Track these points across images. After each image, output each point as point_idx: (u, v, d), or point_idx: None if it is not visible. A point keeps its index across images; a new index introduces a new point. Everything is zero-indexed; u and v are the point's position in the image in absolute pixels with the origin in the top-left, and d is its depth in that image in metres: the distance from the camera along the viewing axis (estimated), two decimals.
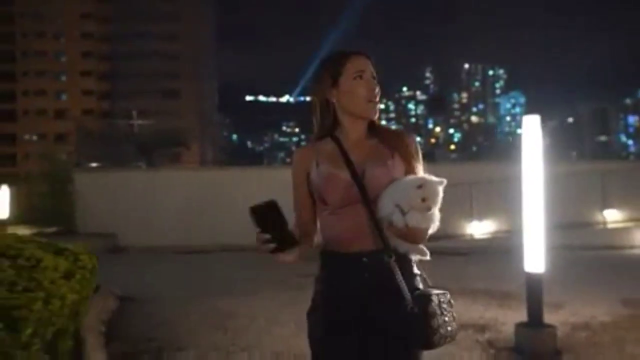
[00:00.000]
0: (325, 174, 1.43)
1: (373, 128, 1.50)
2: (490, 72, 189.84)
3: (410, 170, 1.45)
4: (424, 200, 1.32)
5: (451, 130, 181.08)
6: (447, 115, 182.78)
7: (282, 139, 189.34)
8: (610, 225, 9.62)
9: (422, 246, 1.43)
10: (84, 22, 67.44)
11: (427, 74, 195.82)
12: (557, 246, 6.21)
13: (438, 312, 1.33)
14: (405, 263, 1.40)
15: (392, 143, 1.47)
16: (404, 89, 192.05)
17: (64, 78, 68.78)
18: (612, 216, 9.73)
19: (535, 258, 3.29)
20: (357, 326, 1.39)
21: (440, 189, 1.35)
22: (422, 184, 1.33)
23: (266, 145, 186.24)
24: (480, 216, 9.61)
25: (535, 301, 3.27)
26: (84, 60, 68.16)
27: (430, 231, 1.40)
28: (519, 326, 3.35)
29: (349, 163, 1.43)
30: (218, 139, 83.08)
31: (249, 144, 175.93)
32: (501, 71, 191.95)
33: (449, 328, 1.34)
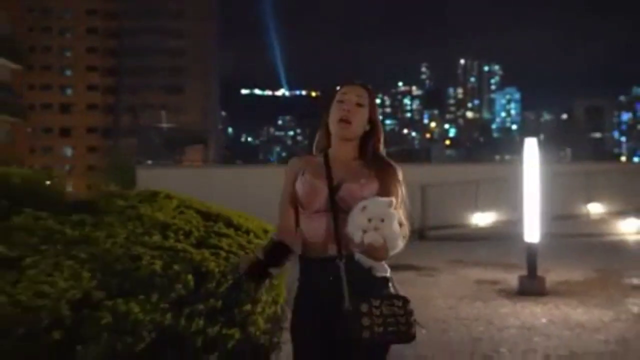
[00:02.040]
0: (308, 182, 1.63)
1: (365, 152, 1.67)
2: (486, 68, 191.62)
3: (384, 192, 1.58)
4: (369, 220, 1.47)
5: (446, 126, 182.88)
6: (443, 110, 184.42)
7: (277, 133, 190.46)
8: (593, 217, 11.42)
9: (383, 263, 1.58)
10: (89, 17, 68.50)
11: (423, 69, 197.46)
12: (548, 233, 7.96)
13: (374, 312, 1.45)
14: (363, 268, 1.55)
15: (369, 167, 1.64)
16: (400, 84, 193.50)
17: (69, 73, 69.67)
18: (595, 209, 11.53)
19: (532, 232, 5.07)
20: (322, 325, 1.55)
21: (388, 208, 1.50)
22: (365, 206, 1.49)
23: (262, 139, 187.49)
24: (484, 209, 11.37)
25: (532, 261, 5.05)
26: (89, 56, 69.15)
27: (394, 250, 1.54)
28: (521, 277, 5.15)
29: (328, 176, 1.61)
30: (220, 135, 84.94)
31: (243, 137, 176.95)
32: (497, 67, 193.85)
33: (390, 328, 1.46)
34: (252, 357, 2.59)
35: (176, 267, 1.95)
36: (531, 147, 5.15)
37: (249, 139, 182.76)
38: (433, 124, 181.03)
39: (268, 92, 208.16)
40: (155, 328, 1.79)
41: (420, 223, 10.90)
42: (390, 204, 1.49)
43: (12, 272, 1.54)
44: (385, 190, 1.58)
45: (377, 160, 1.66)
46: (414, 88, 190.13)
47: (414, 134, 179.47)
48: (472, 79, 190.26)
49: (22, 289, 1.44)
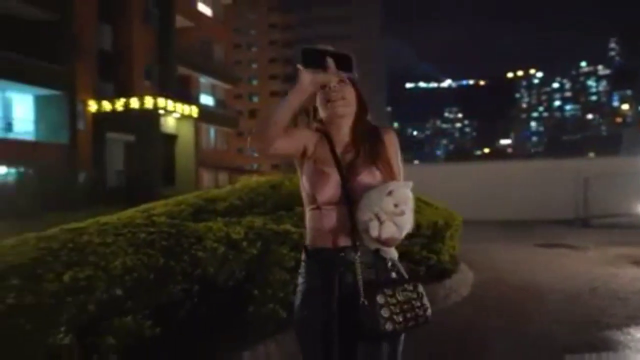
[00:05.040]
0: (318, 172, 1.56)
1: (357, 128, 1.61)
2: None
3: (389, 174, 1.57)
4: (396, 205, 1.41)
5: None
6: (637, 90, 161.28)
7: (444, 126, 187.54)
8: None
9: (392, 248, 1.54)
10: (270, 31, 77.29)
11: (612, 45, 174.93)
12: None
13: (390, 301, 1.45)
14: (379, 258, 1.53)
15: (375, 152, 1.58)
16: (583, 64, 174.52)
17: (255, 82, 79.02)
18: None
19: None
20: (330, 316, 1.52)
21: (409, 191, 1.46)
22: (391, 190, 1.43)
23: (427, 132, 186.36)
24: None
25: None
26: (271, 65, 77.63)
27: (405, 233, 1.47)
28: None
29: (338, 164, 1.56)
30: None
31: (409, 131, 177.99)
32: None
33: (409, 315, 1.46)
34: (439, 274, 4.85)
35: (420, 218, 4.33)
36: None
37: (415, 132, 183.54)
38: (625, 107, 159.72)
39: (433, 85, 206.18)
40: (402, 250, 4.15)
41: (584, 212, 11.88)
42: (408, 186, 1.47)
43: None
44: (389, 169, 1.57)
45: (372, 132, 1.63)
46: (599, 67, 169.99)
47: (600, 119, 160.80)
48: None
49: None
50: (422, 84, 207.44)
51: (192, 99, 25.32)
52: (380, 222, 1.42)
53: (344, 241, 1.53)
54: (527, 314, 4.33)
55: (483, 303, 4.69)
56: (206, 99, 28.74)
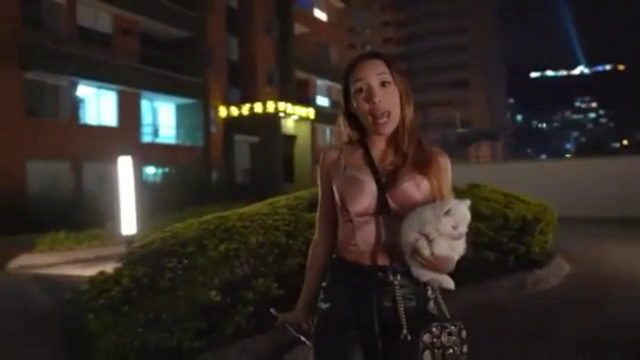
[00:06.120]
0: (351, 179, 1.38)
1: (403, 139, 1.39)
2: None
3: (438, 190, 1.37)
4: (454, 227, 1.27)
5: None
6: None
7: (574, 116, 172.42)
8: None
9: (446, 276, 1.35)
10: (384, 29, 77.77)
11: None
12: None
13: (435, 344, 1.27)
14: (419, 285, 1.36)
15: (421, 160, 1.38)
16: None
17: None
18: None
19: None
20: (358, 337, 1.36)
21: (468, 211, 1.30)
22: (449, 209, 1.27)
23: (556, 124, 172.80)
24: None
25: None
26: None
27: (457, 257, 1.32)
28: None
29: (375, 172, 1.37)
30: (507, 123, 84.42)
31: (533, 124, 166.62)
32: None
33: None
34: (529, 264, 5.24)
35: (509, 213, 4.85)
36: None
37: (542, 124, 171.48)
38: None
39: (562, 72, 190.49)
40: (490, 240, 4.67)
41: None
42: (467, 205, 1.30)
43: None
44: (439, 186, 1.37)
45: (422, 150, 1.40)
46: None
47: None
48: None
49: None
50: (549, 72, 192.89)
51: (309, 102, 26.94)
52: (429, 240, 1.27)
53: (381, 259, 1.36)
54: (614, 301, 4.59)
55: (568, 292, 4.98)
56: (322, 100, 30.25)
